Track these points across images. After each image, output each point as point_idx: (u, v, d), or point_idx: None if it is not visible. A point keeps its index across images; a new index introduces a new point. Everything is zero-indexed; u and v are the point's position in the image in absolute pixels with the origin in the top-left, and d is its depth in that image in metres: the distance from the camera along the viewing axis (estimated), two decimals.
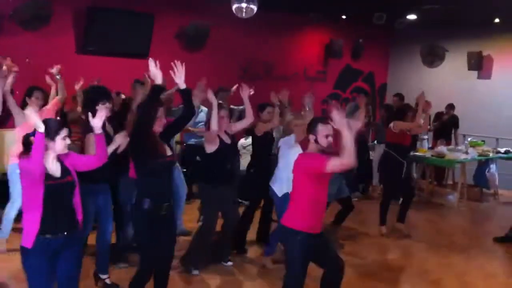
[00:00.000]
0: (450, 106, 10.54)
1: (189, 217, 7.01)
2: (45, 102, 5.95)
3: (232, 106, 7.54)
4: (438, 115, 10.54)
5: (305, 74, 11.90)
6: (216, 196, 5.45)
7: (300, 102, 6.19)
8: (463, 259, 6.46)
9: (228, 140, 5.53)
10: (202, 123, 7.05)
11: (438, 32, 11.81)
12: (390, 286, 5.60)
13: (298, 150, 5.02)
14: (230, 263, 5.82)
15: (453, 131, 10.65)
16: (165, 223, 4.16)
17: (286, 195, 5.41)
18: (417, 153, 9.19)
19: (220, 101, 6.42)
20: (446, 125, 10.50)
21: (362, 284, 5.52)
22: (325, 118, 4.22)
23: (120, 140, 4.48)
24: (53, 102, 5.89)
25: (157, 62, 4.10)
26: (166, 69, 4.18)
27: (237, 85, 6.87)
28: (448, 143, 10.20)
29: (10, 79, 5.37)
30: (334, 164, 3.78)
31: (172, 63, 4.14)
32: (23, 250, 3.47)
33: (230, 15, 7.17)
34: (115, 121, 5.01)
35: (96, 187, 4.69)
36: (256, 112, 6.27)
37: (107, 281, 4.98)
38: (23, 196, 3.54)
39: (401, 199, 7.50)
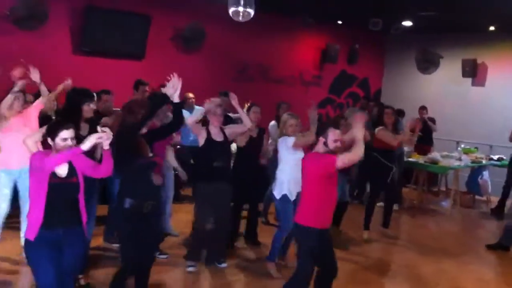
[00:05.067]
0: (423, 108, 10.32)
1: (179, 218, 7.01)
2: (25, 103, 5.62)
3: (229, 114, 7.22)
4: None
5: (301, 78, 11.92)
6: (207, 195, 5.45)
7: (295, 106, 6.19)
8: (456, 264, 6.48)
9: (218, 138, 5.52)
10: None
11: (433, 39, 11.89)
12: None
13: (299, 154, 5.21)
14: (224, 264, 5.78)
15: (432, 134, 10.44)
16: (147, 221, 4.21)
17: (284, 197, 5.44)
18: (410, 159, 9.21)
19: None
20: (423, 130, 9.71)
21: None
22: (336, 123, 4.61)
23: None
24: (35, 104, 5.55)
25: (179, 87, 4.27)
26: (161, 70, 4.19)
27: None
28: (428, 147, 10.12)
29: (20, 83, 5.47)
30: (342, 160, 4.05)
31: (171, 75, 4.22)
32: (26, 242, 3.61)
33: (227, 17, 7.18)
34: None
35: None
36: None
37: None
38: (30, 191, 3.63)
39: (384, 204, 7.50)
